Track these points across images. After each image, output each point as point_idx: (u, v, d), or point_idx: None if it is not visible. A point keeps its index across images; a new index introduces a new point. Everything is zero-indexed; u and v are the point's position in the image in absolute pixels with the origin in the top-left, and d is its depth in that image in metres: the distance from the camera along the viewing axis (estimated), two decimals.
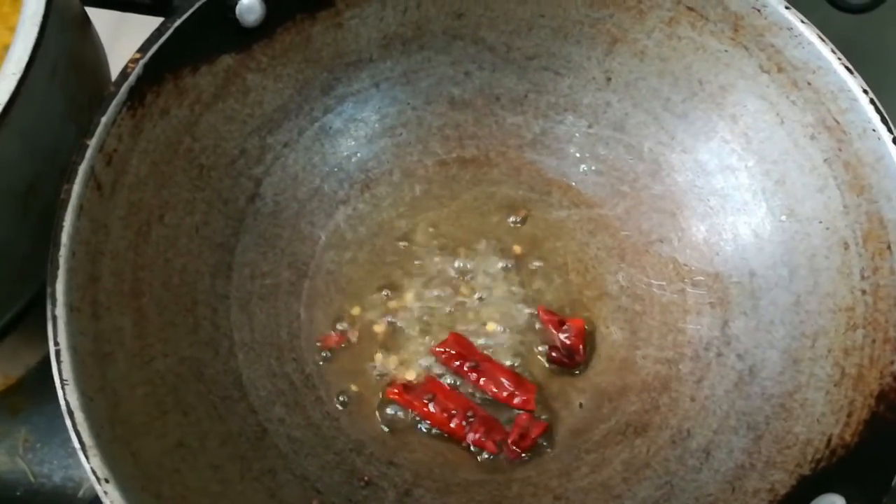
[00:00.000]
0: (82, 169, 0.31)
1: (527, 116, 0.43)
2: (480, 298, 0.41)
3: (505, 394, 0.38)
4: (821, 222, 0.37)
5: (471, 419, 0.38)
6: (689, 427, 0.37)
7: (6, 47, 0.34)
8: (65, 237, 0.30)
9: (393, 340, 0.40)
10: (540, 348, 0.40)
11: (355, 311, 0.40)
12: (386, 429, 0.38)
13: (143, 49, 0.33)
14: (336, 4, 0.39)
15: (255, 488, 0.34)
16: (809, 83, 0.37)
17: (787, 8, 0.36)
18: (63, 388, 0.29)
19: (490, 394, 0.38)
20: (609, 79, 0.42)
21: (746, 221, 0.40)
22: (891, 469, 0.31)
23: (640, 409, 0.38)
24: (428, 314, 0.40)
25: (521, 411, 0.38)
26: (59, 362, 0.29)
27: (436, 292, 0.41)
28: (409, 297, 0.41)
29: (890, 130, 0.35)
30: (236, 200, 0.39)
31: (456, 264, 0.42)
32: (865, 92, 0.35)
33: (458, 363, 0.39)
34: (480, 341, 0.40)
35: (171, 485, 0.31)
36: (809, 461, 0.33)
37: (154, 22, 0.34)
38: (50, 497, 0.41)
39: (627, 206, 0.43)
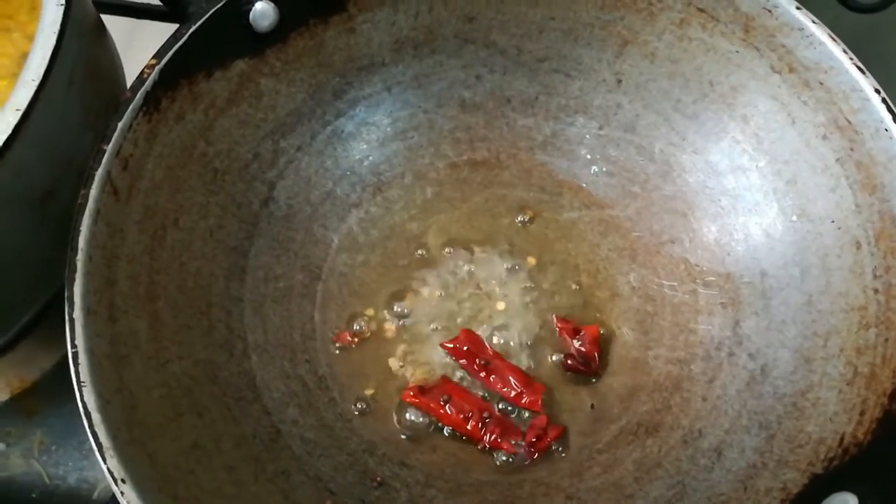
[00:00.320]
0: (99, 174, 0.32)
1: (538, 118, 0.43)
2: (492, 300, 0.41)
3: (513, 393, 0.38)
4: (833, 222, 0.37)
5: (487, 420, 0.38)
6: (700, 427, 0.37)
7: (24, 55, 0.35)
8: (82, 241, 0.31)
9: (405, 342, 0.40)
10: (554, 357, 0.40)
11: (368, 313, 0.40)
12: (404, 435, 0.38)
13: (158, 55, 0.34)
14: (348, 9, 0.39)
15: (269, 489, 0.34)
16: (821, 83, 0.37)
17: (798, 8, 0.36)
18: (80, 389, 0.29)
19: (499, 392, 0.39)
20: (620, 81, 0.42)
21: (758, 222, 0.40)
22: None
23: (651, 410, 0.39)
24: (440, 316, 0.41)
25: (534, 412, 0.38)
26: (76, 364, 0.29)
27: (448, 294, 0.41)
28: (421, 299, 0.41)
29: None
30: (250, 204, 0.39)
31: (467, 267, 0.42)
32: (878, 91, 0.35)
33: (468, 359, 0.39)
34: (493, 341, 0.40)
35: (186, 486, 0.31)
36: (822, 460, 0.33)
37: (168, 29, 0.35)
38: (65, 499, 0.41)
39: (638, 207, 0.43)
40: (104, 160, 0.32)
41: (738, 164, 0.41)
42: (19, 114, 0.29)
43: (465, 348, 0.39)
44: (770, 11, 0.37)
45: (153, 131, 0.34)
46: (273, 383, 0.37)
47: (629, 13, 0.40)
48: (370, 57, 0.41)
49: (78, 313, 0.30)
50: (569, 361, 0.39)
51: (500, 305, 0.41)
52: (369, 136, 0.43)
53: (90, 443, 0.28)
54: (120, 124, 0.33)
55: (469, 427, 0.38)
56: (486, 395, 0.39)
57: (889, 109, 0.35)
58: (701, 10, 0.39)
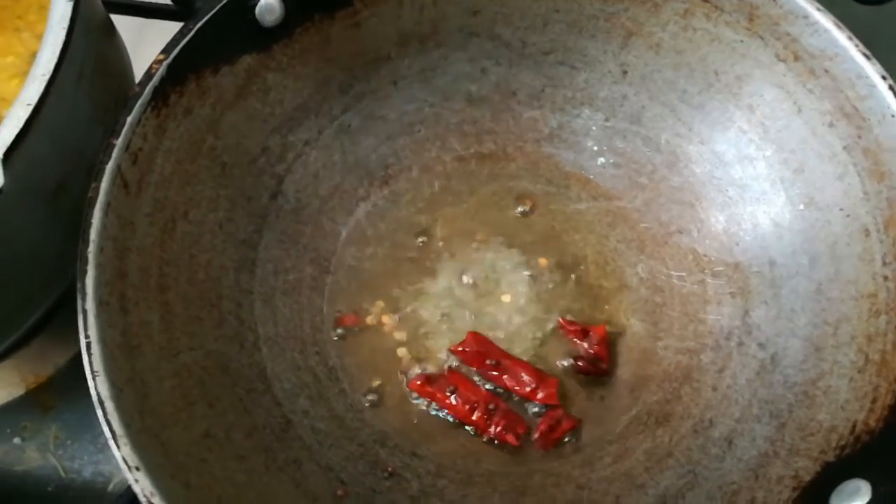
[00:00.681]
0: (109, 167, 0.32)
1: (544, 111, 0.44)
2: (500, 292, 0.41)
3: (528, 389, 0.38)
4: (841, 209, 0.37)
5: (492, 411, 0.38)
6: (711, 416, 0.37)
7: (34, 54, 0.35)
8: (93, 233, 0.31)
9: (414, 334, 0.40)
10: (564, 362, 0.40)
11: (376, 305, 0.41)
12: (418, 424, 0.38)
13: (166, 50, 0.34)
14: (354, 4, 0.39)
15: (280, 479, 0.35)
16: (827, 71, 0.36)
17: None
18: (94, 379, 0.29)
19: (512, 391, 0.39)
20: (625, 72, 0.42)
21: (766, 211, 0.40)
22: None
23: (661, 400, 0.39)
24: (448, 308, 0.41)
25: (551, 406, 0.38)
26: (89, 354, 0.30)
27: (455, 287, 0.41)
28: (428, 291, 0.41)
29: None
30: (259, 198, 0.40)
31: (475, 259, 0.42)
32: (884, 78, 0.35)
33: (478, 361, 0.39)
34: (500, 335, 0.40)
35: (198, 474, 0.31)
36: (834, 448, 0.33)
37: (176, 28, 0.35)
38: (80, 492, 0.42)
39: (646, 198, 0.43)
40: (114, 154, 0.32)
41: (745, 154, 0.41)
42: (30, 108, 0.29)
43: (473, 350, 0.39)
44: (774, 0, 0.37)
45: (162, 126, 0.35)
46: (283, 374, 0.38)
47: (633, 4, 0.40)
48: (376, 51, 0.41)
49: (90, 304, 0.30)
50: (579, 363, 0.39)
51: (507, 297, 0.41)
52: (376, 129, 0.43)
53: (104, 433, 0.29)
54: (129, 118, 0.33)
55: (474, 418, 0.38)
56: (499, 389, 0.39)
57: None
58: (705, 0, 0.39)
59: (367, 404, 0.39)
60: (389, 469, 0.37)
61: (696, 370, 0.39)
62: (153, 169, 0.34)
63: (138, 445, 0.29)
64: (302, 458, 0.36)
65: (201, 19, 0.35)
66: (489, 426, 0.38)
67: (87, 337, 0.30)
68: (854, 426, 0.33)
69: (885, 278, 0.35)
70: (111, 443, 0.29)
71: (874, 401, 0.33)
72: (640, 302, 0.41)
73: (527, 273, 0.42)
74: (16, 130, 0.29)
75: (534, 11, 0.41)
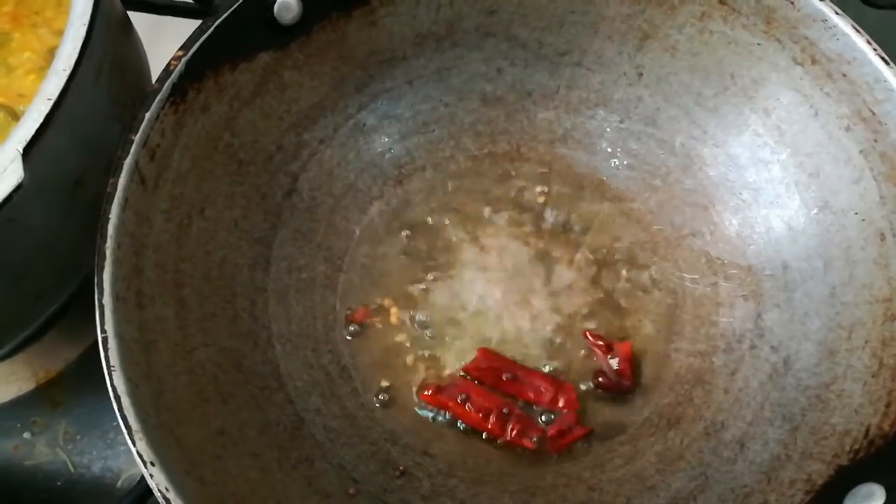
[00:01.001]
0: (127, 163, 0.32)
1: (558, 112, 0.44)
2: (513, 294, 0.41)
3: (547, 398, 0.38)
4: (856, 213, 0.37)
5: (506, 416, 0.38)
6: (723, 419, 0.37)
7: (51, 50, 0.35)
8: (111, 229, 0.31)
9: (426, 334, 0.40)
10: (583, 387, 0.39)
11: (389, 304, 0.41)
12: (429, 423, 0.38)
13: (185, 47, 0.34)
14: (371, 3, 0.39)
15: (292, 476, 0.35)
16: (844, 74, 0.36)
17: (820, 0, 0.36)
18: (110, 373, 0.29)
19: (531, 401, 0.38)
20: (640, 74, 0.42)
21: (779, 214, 0.40)
22: None
23: (673, 402, 0.39)
24: (461, 309, 0.41)
25: (566, 412, 0.38)
26: (106, 349, 0.30)
27: (468, 286, 0.41)
28: (442, 291, 0.41)
29: None
30: (274, 195, 0.40)
31: (487, 259, 0.42)
32: None
33: (493, 377, 0.39)
34: (514, 338, 0.40)
35: (212, 470, 0.31)
36: (847, 451, 0.33)
37: (192, 26, 0.35)
38: (89, 487, 0.42)
39: (659, 201, 0.43)
40: (132, 150, 0.32)
41: (760, 157, 0.40)
42: (51, 103, 0.29)
43: (486, 367, 0.39)
44: (792, 3, 0.37)
45: (179, 122, 0.35)
46: (296, 372, 0.38)
47: (650, 6, 0.40)
48: (392, 50, 0.41)
49: (107, 299, 0.30)
50: (600, 380, 0.39)
51: (521, 299, 0.41)
52: (391, 129, 0.43)
53: (117, 429, 0.29)
54: (147, 115, 0.33)
55: (489, 425, 0.38)
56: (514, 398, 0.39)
57: None
58: (722, 2, 0.39)
59: (378, 403, 0.39)
60: (401, 468, 0.37)
61: (709, 373, 0.39)
62: (170, 165, 0.35)
63: (154, 441, 0.29)
64: (314, 456, 0.36)
65: (220, 16, 0.35)
66: (504, 432, 0.38)
67: (103, 332, 0.30)
68: (868, 430, 0.33)
69: None
70: (127, 438, 0.29)
71: (888, 405, 0.33)
72: (653, 304, 0.41)
73: (540, 272, 0.42)
74: (36, 125, 0.29)
75: (550, 12, 0.41)
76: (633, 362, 0.39)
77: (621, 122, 0.43)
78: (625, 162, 0.43)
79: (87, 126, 0.33)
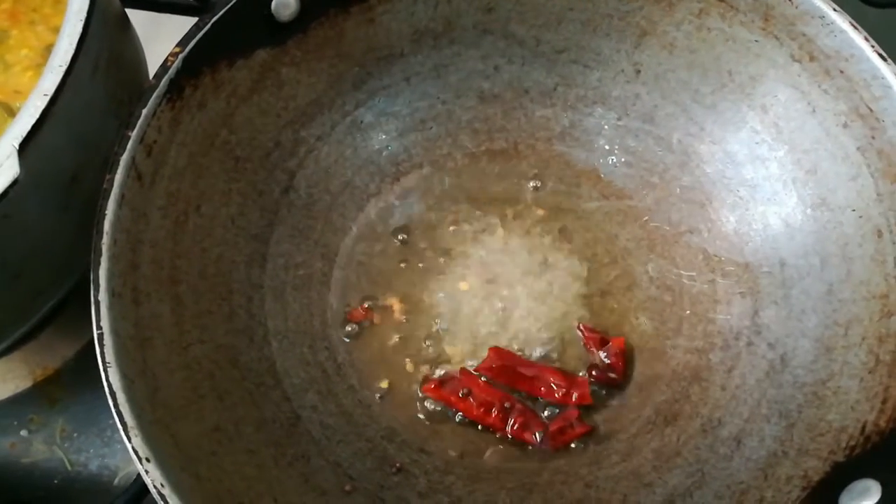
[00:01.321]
0: (124, 159, 0.32)
1: (556, 109, 0.44)
2: (510, 290, 0.41)
3: (561, 393, 0.38)
4: (854, 210, 0.37)
5: (508, 410, 0.38)
6: (719, 416, 0.37)
7: (48, 47, 0.35)
8: (107, 225, 0.31)
9: (423, 331, 0.40)
10: (581, 373, 0.39)
11: (386, 301, 0.41)
12: (426, 420, 0.38)
13: (182, 43, 0.34)
14: (368, 0, 0.39)
15: (289, 473, 0.35)
16: (842, 71, 0.36)
17: None
18: (106, 370, 0.29)
19: (546, 397, 0.38)
20: (638, 71, 0.42)
21: (777, 211, 0.40)
22: None
23: (670, 399, 0.38)
24: (458, 306, 0.41)
25: (575, 407, 0.38)
26: (101, 345, 0.30)
27: (465, 284, 0.41)
28: (438, 288, 0.41)
29: None
30: (271, 192, 0.40)
31: (484, 256, 0.42)
32: None
33: (506, 375, 0.39)
34: (512, 334, 0.40)
35: (208, 466, 0.31)
36: (843, 448, 0.33)
37: (189, 23, 0.35)
38: (86, 485, 0.42)
39: (657, 198, 0.43)
40: (129, 146, 0.32)
41: (757, 154, 0.40)
42: (47, 98, 0.29)
43: (499, 365, 0.39)
44: (790, 0, 0.37)
45: (176, 118, 0.35)
46: (293, 369, 0.38)
47: (648, 3, 0.40)
48: (389, 47, 0.41)
49: (103, 295, 0.30)
50: (594, 372, 0.39)
51: (518, 295, 0.41)
52: (388, 126, 0.43)
53: (114, 427, 0.29)
54: (144, 111, 0.33)
55: (492, 419, 0.38)
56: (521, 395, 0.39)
57: None
58: None
59: (375, 400, 0.38)
60: (397, 465, 0.37)
61: (705, 370, 0.39)
62: (167, 161, 0.35)
63: (149, 437, 0.29)
64: (310, 452, 0.36)
65: (217, 13, 0.35)
66: (507, 425, 0.38)
67: (99, 328, 0.30)
68: (864, 426, 0.33)
69: None
70: (122, 434, 0.29)
71: (885, 401, 0.33)
72: (650, 301, 0.41)
73: (537, 270, 0.42)
74: (32, 121, 0.29)
75: (548, 9, 0.41)
76: (626, 357, 0.39)
77: (619, 119, 0.43)
78: (622, 159, 0.43)
79: (84, 122, 0.33)
